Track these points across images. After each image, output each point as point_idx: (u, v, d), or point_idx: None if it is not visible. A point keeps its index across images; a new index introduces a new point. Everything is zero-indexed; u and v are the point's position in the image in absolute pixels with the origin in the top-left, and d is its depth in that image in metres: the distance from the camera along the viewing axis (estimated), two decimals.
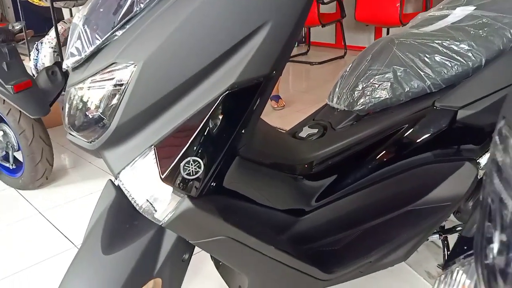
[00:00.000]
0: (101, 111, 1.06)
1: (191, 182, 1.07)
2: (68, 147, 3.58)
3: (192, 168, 1.05)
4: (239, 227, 1.17)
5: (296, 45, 7.33)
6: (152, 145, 1.05)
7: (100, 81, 1.06)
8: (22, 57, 4.23)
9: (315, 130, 1.54)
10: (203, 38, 1.01)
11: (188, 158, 1.04)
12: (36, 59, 4.47)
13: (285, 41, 1.07)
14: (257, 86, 1.08)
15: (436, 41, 1.50)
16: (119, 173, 1.09)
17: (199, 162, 1.06)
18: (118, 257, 1.14)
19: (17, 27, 2.71)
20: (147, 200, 1.08)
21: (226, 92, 1.03)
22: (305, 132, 1.56)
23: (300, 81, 5.64)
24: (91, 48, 1.06)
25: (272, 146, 1.39)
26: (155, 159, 1.05)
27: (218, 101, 1.04)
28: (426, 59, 1.47)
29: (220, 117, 1.06)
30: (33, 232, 2.49)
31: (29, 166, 2.78)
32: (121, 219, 1.21)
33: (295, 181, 1.42)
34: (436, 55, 1.47)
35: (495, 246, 0.46)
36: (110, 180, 1.28)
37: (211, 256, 1.66)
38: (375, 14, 5.66)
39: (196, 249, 1.84)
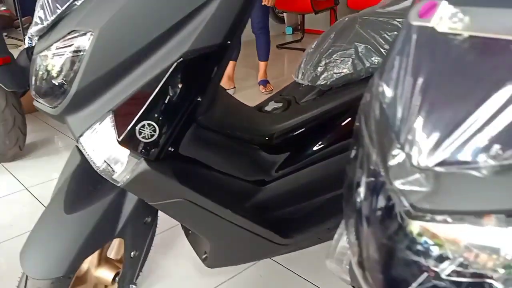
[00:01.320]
0: (62, 77, 1.12)
1: (148, 145, 1.12)
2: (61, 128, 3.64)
3: (147, 131, 1.11)
4: (196, 190, 1.23)
5: (291, 32, 7.37)
6: (110, 110, 1.11)
7: (61, 48, 1.12)
8: (19, 42, 4.30)
9: (280, 104, 1.60)
10: (158, 6, 1.07)
11: (143, 122, 1.10)
12: (30, 43, 4.53)
13: (238, 10, 1.12)
14: (211, 55, 1.14)
15: (397, 19, 1.55)
16: (79, 137, 1.15)
17: (154, 126, 1.12)
18: (80, 216, 1.21)
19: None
20: (105, 162, 1.14)
21: (180, 60, 1.09)
22: (270, 106, 1.62)
23: (294, 67, 5.68)
24: (52, 17, 1.12)
25: (234, 117, 1.45)
26: (112, 123, 1.11)
27: (172, 68, 1.09)
28: (387, 36, 1.52)
29: (175, 83, 1.12)
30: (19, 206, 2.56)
31: (1, 134, 2.87)
32: (85, 182, 1.27)
33: (256, 152, 1.48)
34: (396, 32, 1.52)
35: (362, 190, 0.51)
36: (77, 146, 1.34)
37: (181, 226, 1.74)
38: (368, 1, 5.68)
39: (172, 222, 1.92)
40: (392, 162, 0.45)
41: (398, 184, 0.43)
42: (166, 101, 1.12)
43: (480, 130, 0.37)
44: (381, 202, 0.46)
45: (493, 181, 0.37)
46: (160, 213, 1.77)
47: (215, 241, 1.43)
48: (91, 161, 1.16)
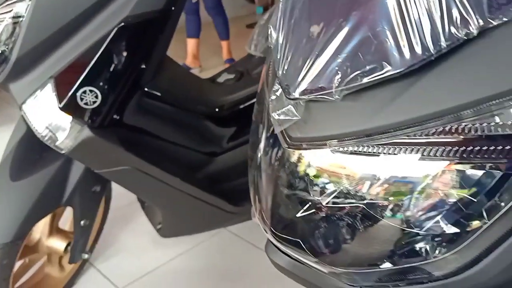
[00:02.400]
0: (2, 45, 1.11)
1: (90, 112, 1.13)
2: None
3: (89, 98, 1.11)
4: (143, 158, 1.24)
5: (261, 12, 7.33)
6: (51, 76, 1.11)
7: (1, 14, 1.11)
8: None
9: (232, 76, 1.62)
10: None
11: (85, 88, 1.11)
12: None
13: None
14: (154, 21, 1.14)
15: None
16: (22, 104, 1.14)
17: (96, 93, 1.12)
18: (25, 183, 1.21)
19: None
20: (47, 128, 1.14)
21: (120, 25, 1.09)
22: (223, 77, 1.63)
23: None
24: None
25: (182, 88, 1.46)
26: (53, 89, 1.11)
27: (112, 34, 1.09)
28: None
29: (117, 50, 1.12)
30: None
31: None
32: (31, 150, 1.27)
33: (206, 123, 1.49)
34: None
35: (262, 145, 0.53)
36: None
37: (137, 198, 1.75)
38: None
39: (130, 198, 1.93)
40: (272, 97, 0.48)
41: (275, 115, 0.46)
42: (108, 68, 1.12)
43: (332, 58, 0.40)
44: (272, 144, 0.49)
45: (345, 105, 0.41)
46: (118, 188, 1.78)
47: (167, 210, 1.45)
48: (34, 128, 1.16)
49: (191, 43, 3.77)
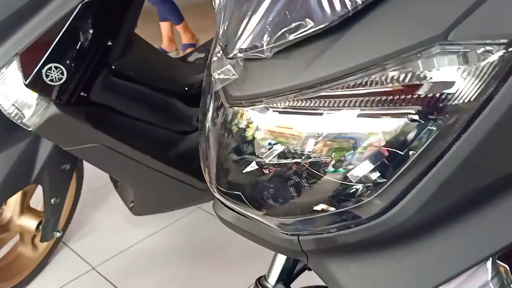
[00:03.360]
0: None
1: (56, 88, 1.13)
2: None
3: (54, 74, 1.12)
4: (112, 136, 1.25)
5: None
6: (16, 53, 1.11)
7: None
8: None
9: (203, 55, 1.63)
10: None
11: (50, 65, 1.11)
12: None
13: None
14: None
15: None
16: None
17: (61, 69, 1.13)
18: None
19: None
20: (14, 105, 1.15)
21: (85, 1, 1.10)
22: (193, 57, 1.65)
23: None
24: None
25: (152, 66, 1.47)
26: (19, 66, 1.11)
27: (77, 10, 1.10)
28: None
29: (82, 26, 1.13)
30: None
31: None
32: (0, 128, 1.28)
33: (176, 102, 1.51)
34: None
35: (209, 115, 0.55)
36: None
37: (110, 178, 1.76)
38: None
39: (105, 179, 1.94)
40: (214, 58, 0.50)
41: (215, 74, 0.48)
42: (73, 44, 1.13)
43: (264, 17, 0.43)
44: (217, 108, 0.51)
45: (278, 62, 0.43)
46: (92, 169, 1.79)
47: (138, 188, 1.47)
48: (0, 106, 1.16)
49: (163, 26, 3.73)
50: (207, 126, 0.55)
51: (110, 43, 1.20)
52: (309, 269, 0.75)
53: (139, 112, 1.41)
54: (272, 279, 0.70)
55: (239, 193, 0.49)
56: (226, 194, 0.51)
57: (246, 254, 1.65)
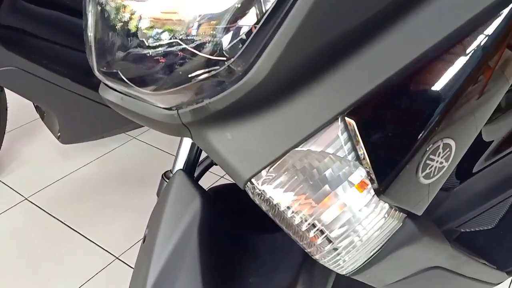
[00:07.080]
0: None
1: None
2: None
3: None
4: (27, 58, 1.23)
5: None
6: None
7: None
8: None
9: None
10: None
11: None
12: None
13: None
14: None
15: None
16: None
17: None
18: None
19: None
20: None
21: None
22: None
23: None
24: None
25: None
26: None
27: None
28: None
29: None
30: None
31: None
32: None
33: None
34: None
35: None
36: None
37: (35, 109, 1.73)
38: None
39: (33, 115, 1.89)
40: None
41: None
42: None
43: None
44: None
45: None
46: (19, 106, 1.74)
47: (62, 114, 1.46)
48: None
49: None
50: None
51: None
52: (215, 164, 0.80)
53: (56, 36, 1.37)
54: (176, 169, 0.74)
55: (117, 71, 0.51)
56: (107, 75, 0.53)
57: None
